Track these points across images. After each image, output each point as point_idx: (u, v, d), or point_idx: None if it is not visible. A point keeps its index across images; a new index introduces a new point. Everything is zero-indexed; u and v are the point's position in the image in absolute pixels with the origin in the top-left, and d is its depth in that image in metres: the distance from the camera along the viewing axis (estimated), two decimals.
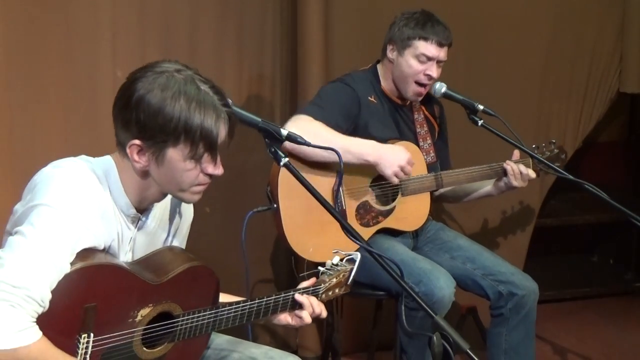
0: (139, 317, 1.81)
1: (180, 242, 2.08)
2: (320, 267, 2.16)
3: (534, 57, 3.69)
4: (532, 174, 2.96)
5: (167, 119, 1.71)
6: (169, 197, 1.96)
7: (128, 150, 1.76)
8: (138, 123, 1.73)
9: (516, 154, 2.99)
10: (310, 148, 2.36)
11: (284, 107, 3.39)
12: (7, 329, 1.57)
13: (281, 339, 3.52)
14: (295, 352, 2.51)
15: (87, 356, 1.72)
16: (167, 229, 2.02)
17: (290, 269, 2.84)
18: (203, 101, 1.75)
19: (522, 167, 2.93)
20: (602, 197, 2.63)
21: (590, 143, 4.20)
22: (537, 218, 3.82)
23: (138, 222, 1.90)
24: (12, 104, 2.91)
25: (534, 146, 3.06)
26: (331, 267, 2.16)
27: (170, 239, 2.04)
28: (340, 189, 2.70)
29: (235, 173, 3.33)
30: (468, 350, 1.74)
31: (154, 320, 1.85)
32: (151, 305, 1.82)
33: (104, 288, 1.73)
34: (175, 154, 1.76)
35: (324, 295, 2.14)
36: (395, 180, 2.72)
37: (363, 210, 2.80)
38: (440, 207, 3.53)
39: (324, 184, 2.69)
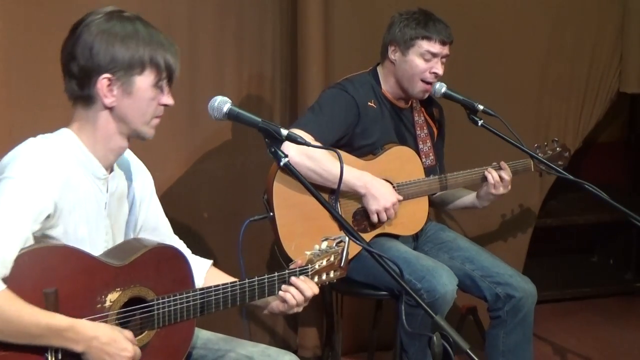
0: (108, 302, 1.80)
1: (146, 207, 2.10)
2: (306, 252, 2.13)
3: (533, 57, 3.69)
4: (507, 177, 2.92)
5: (133, 47, 1.85)
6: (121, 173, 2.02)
7: (98, 86, 1.84)
8: (107, 56, 1.83)
9: (503, 165, 2.96)
10: (307, 169, 2.60)
11: (284, 107, 3.39)
12: None
13: (281, 339, 3.52)
14: (295, 352, 2.51)
15: None
16: (125, 201, 2.05)
17: None
18: (160, 37, 1.91)
19: (503, 173, 2.91)
20: (602, 197, 2.63)
21: (590, 143, 4.20)
22: (537, 218, 3.82)
23: (107, 185, 1.94)
24: (12, 104, 2.91)
25: (536, 145, 3.05)
26: (319, 250, 2.14)
27: (130, 210, 2.06)
28: (337, 195, 2.69)
29: (235, 173, 3.33)
30: (468, 350, 1.74)
31: (127, 306, 1.83)
32: (119, 289, 1.81)
33: (60, 271, 1.72)
34: (143, 82, 1.87)
35: (316, 278, 2.11)
36: (374, 218, 2.74)
37: (360, 216, 2.80)
38: (440, 209, 3.53)
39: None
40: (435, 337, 1.79)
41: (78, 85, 1.86)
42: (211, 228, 3.28)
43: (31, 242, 1.72)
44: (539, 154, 3.04)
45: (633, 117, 4.64)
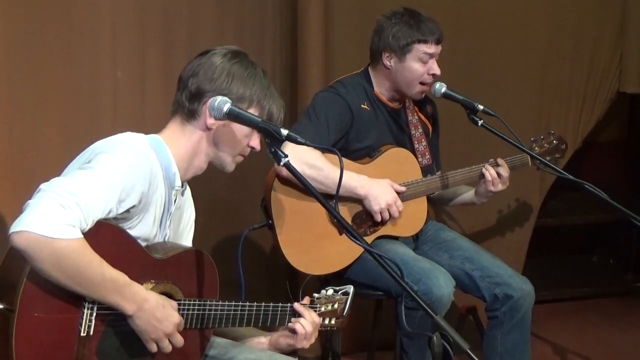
0: None
1: (186, 236, 2.17)
2: (315, 294, 2.18)
3: (533, 57, 3.69)
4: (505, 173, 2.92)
5: (249, 86, 1.99)
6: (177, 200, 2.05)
7: (208, 104, 1.94)
8: (224, 83, 1.97)
9: (500, 162, 2.97)
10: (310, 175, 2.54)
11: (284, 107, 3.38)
12: (51, 219, 1.63)
13: None
14: (294, 353, 2.50)
15: (93, 318, 1.75)
16: (180, 220, 2.13)
17: (288, 279, 2.85)
18: (272, 88, 2.07)
19: (501, 170, 2.90)
20: (602, 197, 2.63)
21: (590, 143, 4.20)
22: (537, 218, 3.81)
23: (176, 200, 2.01)
24: (12, 104, 2.91)
25: (532, 139, 3.05)
26: (325, 295, 2.19)
27: (178, 230, 2.12)
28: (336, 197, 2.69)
29: (234, 174, 3.31)
30: (468, 350, 1.74)
31: None
32: (153, 281, 1.86)
33: (107, 248, 1.75)
34: None
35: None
36: (378, 218, 2.74)
37: (359, 220, 2.79)
38: (440, 207, 3.53)
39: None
40: (435, 337, 1.79)
41: (188, 99, 1.98)
42: (208, 232, 3.26)
43: (113, 215, 1.76)
44: (535, 148, 3.04)
45: (633, 117, 4.64)
